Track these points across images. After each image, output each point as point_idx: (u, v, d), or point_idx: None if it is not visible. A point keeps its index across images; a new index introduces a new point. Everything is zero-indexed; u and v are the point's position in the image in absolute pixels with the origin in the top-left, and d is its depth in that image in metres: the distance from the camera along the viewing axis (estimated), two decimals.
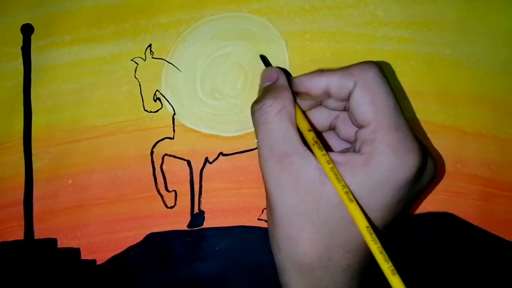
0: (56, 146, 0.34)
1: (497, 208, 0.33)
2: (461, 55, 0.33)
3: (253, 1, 0.34)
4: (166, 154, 0.34)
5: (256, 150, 0.34)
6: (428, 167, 0.26)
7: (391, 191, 0.24)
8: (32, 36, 0.35)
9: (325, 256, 0.25)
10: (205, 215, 0.34)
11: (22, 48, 0.34)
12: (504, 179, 0.33)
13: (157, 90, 0.34)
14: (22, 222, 0.34)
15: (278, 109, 0.26)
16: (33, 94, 0.34)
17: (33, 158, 0.34)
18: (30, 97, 0.34)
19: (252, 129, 0.34)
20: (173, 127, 0.34)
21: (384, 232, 0.26)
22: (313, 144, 0.25)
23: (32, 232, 0.34)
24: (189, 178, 0.34)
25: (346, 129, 0.29)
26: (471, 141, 0.33)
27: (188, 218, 0.34)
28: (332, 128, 0.30)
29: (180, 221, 0.34)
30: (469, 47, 0.33)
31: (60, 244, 0.34)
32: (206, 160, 0.34)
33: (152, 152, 0.34)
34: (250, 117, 0.33)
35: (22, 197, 0.34)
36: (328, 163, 0.24)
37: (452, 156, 0.33)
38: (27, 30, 0.35)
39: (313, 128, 0.27)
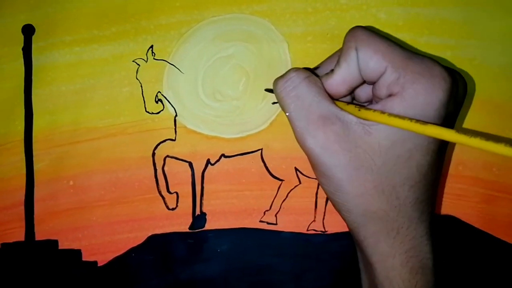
0: (57, 148, 0.34)
1: (499, 210, 0.33)
2: (462, 58, 0.33)
3: (255, 3, 0.34)
4: (167, 156, 0.34)
5: (258, 152, 0.34)
6: (459, 81, 0.26)
7: (437, 111, 0.25)
8: (33, 37, 0.34)
9: (393, 196, 0.26)
10: (206, 217, 0.34)
11: (23, 48, 0.34)
12: (506, 182, 0.33)
13: (159, 92, 0.34)
14: (23, 224, 0.34)
15: (304, 76, 0.27)
16: (34, 95, 0.34)
17: (34, 159, 0.34)
18: (31, 98, 0.34)
19: (254, 131, 0.34)
20: (175, 129, 0.34)
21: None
22: (359, 110, 0.26)
23: (33, 233, 0.34)
24: (190, 180, 0.34)
25: (365, 91, 0.29)
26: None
27: (189, 220, 0.34)
28: (352, 100, 0.30)
29: (181, 223, 0.34)
30: (470, 51, 0.33)
31: (61, 246, 0.34)
32: (208, 161, 0.34)
33: (153, 154, 0.34)
34: (252, 119, 0.34)
35: (23, 199, 0.34)
36: (383, 113, 0.24)
37: (454, 159, 0.34)
38: (28, 31, 0.34)
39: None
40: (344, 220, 0.28)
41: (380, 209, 0.26)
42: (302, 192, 0.34)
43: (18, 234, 0.34)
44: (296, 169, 0.34)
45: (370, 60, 0.25)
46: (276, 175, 0.34)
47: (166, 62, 0.34)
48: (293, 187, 0.34)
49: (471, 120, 0.33)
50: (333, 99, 0.27)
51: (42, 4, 0.34)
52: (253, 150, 0.34)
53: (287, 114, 0.27)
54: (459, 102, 0.27)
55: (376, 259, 0.27)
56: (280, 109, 0.33)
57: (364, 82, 0.27)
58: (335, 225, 0.34)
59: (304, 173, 0.34)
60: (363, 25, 0.33)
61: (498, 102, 0.34)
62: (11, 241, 0.34)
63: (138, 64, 0.34)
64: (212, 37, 0.34)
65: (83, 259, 0.34)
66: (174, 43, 0.34)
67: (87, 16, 0.34)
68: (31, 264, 0.34)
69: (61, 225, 0.34)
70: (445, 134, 0.23)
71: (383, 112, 0.24)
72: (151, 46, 0.34)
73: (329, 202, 0.34)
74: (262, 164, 0.34)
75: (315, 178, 0.33)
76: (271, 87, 0.33)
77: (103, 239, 0.34)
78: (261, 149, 0.34)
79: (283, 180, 0.34)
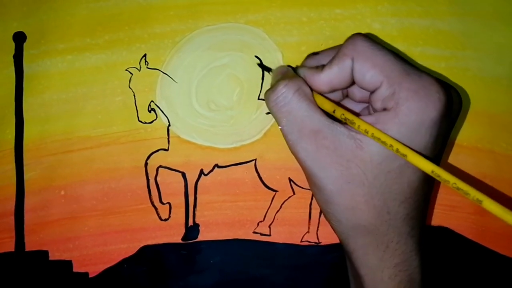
0: (48, 157, 0.34)
1: (492, 222, 0.33)
2: (456, 69, 0.33)
3: (249, 12, 0.34)
4: (160, 166, 0.34)
5: (252, 162, 0.34)
6: (454, 97, 0.27)
7: (428, 130, 0.25)
8: (25, 45, 0.34)
9: (384, 211, 0.26)
10: (199, 227, 0.34)
11: (14, 56, 0.34)
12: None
13: (152, 101, 0.34)
14: (13, 234, 0.34)
15: (295, 89, 0.27)
16: (25, 104, 0.34)
17: (24, 168, 0.34)
18: (22, 106, 0.34)
19: (248, 141, 0.34)
20: (168, 139, 0.34)
21: None
22: (344, 121, 0.26)
23: (23, 244, 0.34)
24: (183, 190, 0.34)
25: (360, 91, 0.29)
26: (466, 155, 0.33)
27: (182, 231, 0.34)
28: (346, 95, 0.30)
29: (174, 234, 0.34)
30: (464, 62, 0.33)
31: (51, 257, 0.34)
32: (201, 172, 0.34)
33: (146, 164, 0.34)
34: (246, 129, 0.34)
35: (13, 208, 0.34)
36: (367, 132, 0.25)
37: (448, 170, 0.33)
38: (19, 38, 0.34)
39: (336, 104, 0.27)
40: (334, 230, 0.28)
41: (370, 223, 0.26)
42: (296, 203, 0.34)
43: (8, 245, 0.34)
44: (290, 180, 0.34)
45: (367, 73, 0.26)
46: (270, 186, 0.34)
47: (160, 71, 0.34)
48: (287, 198, 0.34)
49: (465, 131, 0.34)
50: (322, 95, 0.28)
51: (35, 11, 0.34)
52: (247, 160, 0.34)
53: (279, 127, 0.28)
54: (452, 120, 0.27)
55: (365, 272, 0.27)
56: (274, 119, 0.33)
57: (350, 85, 0.27)
58: (329, 236, 0.34)
59: (298, 184, 0.34)
60: None
61: (492, 113, 0.34)
62: (0, 251, 0.34)
63: (131, 73, 0.34)
64: (206, 46, 0.34)
65: (74, 270, 0.34)
66: (168, 52, 0.34)
67: (80, 24, 0.34)
68: (21, 275, 0.34)
69: (52, 235, 0.34)
70: (423, 168, 0.24)
71: (366, 131, 0.25)
72: (145, 55, 0.34)
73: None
74: (256, 174, 0.34)
75: (309, 189, 0.33)
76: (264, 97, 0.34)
77: (95, 250, 0.34)
78: (255, 159, 0.34)
79: (277, 191, 0.34)
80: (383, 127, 0.25)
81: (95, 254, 0.34)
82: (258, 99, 0.34)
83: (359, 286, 0.28)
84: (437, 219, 0.34)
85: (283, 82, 0.27)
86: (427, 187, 0.27)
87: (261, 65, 0.33)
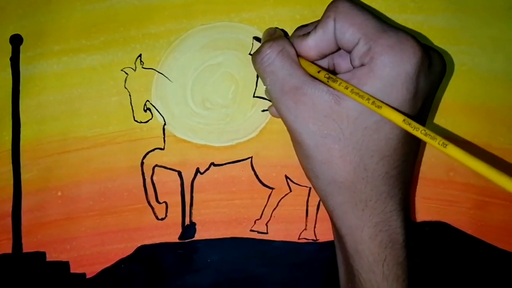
0: (45, 158, 0.34)
1: (491, 216, 0.33)
2: (452, 64, 0.33)
3: (243, 11, 0.34)
4: (156, 165, 0.34)
5: (248, 160, 0.34)
6: (434, 58, 0.27)
7: (404, 85, 0.25)
8: (21, 47, 0.34)
9: (360, 167, 0.26)
10: (196, 226, 0.34)
11: (11, 58, 0.34)
12: (497, 188, 0.33)
13: (147, 100, 0.34)
14: (10, 235, 0.34)
15: (278, 50, 0.28)
16: (22, 105, 0.34)
17: (21, 169, 0.34)
18: (19, 108, 0.34)
19: (244, 139, 0.34)
20: (164, 138, 0.34)
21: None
22: (327, 80, 0.26)
23: (21, 245, 0.34)
24: (180, 189, 0.34)
25: (346, 62, 0.29)
26: (464, 150, 0.33)
27: (179, 230, 0.34)
28: (332, 68, 0.31)
29: (171, 233, 0.34)
30: (460, 56, 0.33)
31: (49, 258, 0.34)
32: (197, 170, 0.34)
33: (142, 163, 0.34)
34: (242, 127, 0.34)
35: (10, 210, 0.34)
36: (347, 88, 0.25)
37: (445, 165, 0.33)
38: (16, 41, 0.34)
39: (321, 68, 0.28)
40: (314, 188, 0.28)
41: (346, 179, 0.26)
42: (293, 200, 0.34)
43: (5, 246, 0.34)
44: (287, 177, 0.34)
45: (347, 31, 0.26)
46: (267, 183, 0.34)
47: (155, 71, 0.34)
48: (283, 195, 0.34)
49: (461, 126, 0.33)
50: (309, 61, 0.28)
51: (31, 14, 0.34)
52: (243, 158, 0.34)
53: (265, 86, 0.28)
54: (434, 80, 0.27)
55: (345, 232, 0.27)
56: (270, 117, 0.33)
57: (337, 50, 0.28)
58: (326, 233, 0.33)
59: (294, 181, 0.34)
60: None
61: (488, 107, 0.34)
62: None
63: (126, 73, 0.34)
64: (201, 45, 0.34)
65: (72, 271, 0.34)
66: (163, 52, 0.34)
67: (75, 25, 0.34)
68: (19, 276, 0.33)
69: (49, 236, 0.34)
70: (394, 119, 0.24)
71: (346, 87, 0.25)
72: (140, 55, 0.34)
73: (320, 210, 0.34)
74: (252, 172, 0.34)
75: (306, 186, 0.33)
76: (260, 94, 0.34)
77: (92, 250, 0.34)
78: (251, 157, 0.34)
79: (274, 188, 0.34)
80: (358, 81, 0.25)
81: (92, 255, 0.34)
82: (254, 96, 0.34)
83: (342, 247, 0.28)
84: (435, 214, 0.33)
85: (268, 43, 0.28)
86: (408, 147, 0.27)
87: (256, 38, 0.33)
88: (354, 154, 0.26)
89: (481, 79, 0.34)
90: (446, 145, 0.23)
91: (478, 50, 0.34)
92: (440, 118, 0.33)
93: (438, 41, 0.34)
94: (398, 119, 0.24)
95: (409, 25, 0.33)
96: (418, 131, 0.23)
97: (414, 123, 0.24)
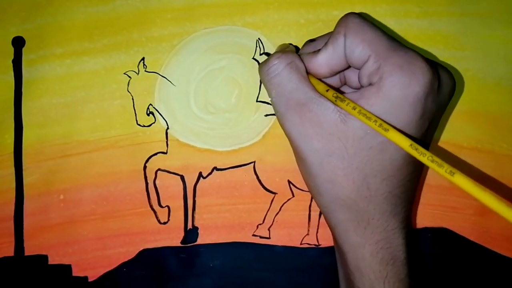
0: (47, 161, 0.34)
1: (493, 223, 0.33)
2: (455, 70, 0.33)
3: (247, 15, 0.34)
4: (159, 169, 0.34)
5: (251, 164, 0.34)
6: (444, 78, 0.26)
7: (412, 106, 0.25)
8: (24, 49, 0.34)
9: (364, 186, 0.26)
10: (199, 231, 0.34)
11: (13, 61, 0.34)
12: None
13: (150, 104, 0.34)
14: (12, 239, 0.34)
15: (287, 62, 0.27)
16: (24, 108, 0.34)
17: (23, 173, 0.34)
18: (21, 111, 0.34)
19: (247, 144, 0.34)
20: (167, 142, 0.34)
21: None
22: (335, 100, 0.26)
23: (23, 248, 0.34)
24: (182, 193, 0.34)
25: (357, 76, 0.29)
26: (467, 156, 0.33)
27: (181, 234, 0.34)
28: (343, 83, 0.30)
29: (173, 237, 0.33)
30: (463, 62, 0.33)
31: (51, 261, 0.34)
32: (200, 175, 0.34)
33: (145, 167, 0.34)
34: (245, 131, 0.33)
35: (12, 213, 0.34)
36: (354, 109, 0.25)
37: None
38: (18, 43, 0.34)
39: (329, 87, 0.28)
40: (317, 204, 0.28)
41: (348, 197, 0.26)
42: (295, 206, 0.34)
43: (7, 249, 0.33)
44: (289, 182, 0.34)
45: (356, 48, 0.26)
46: (269, 188, 0.34)
47: (158, 75, 0.34)
48: (286, 200, 0.34)
49: (465, 132, 0.33)
50: (318, 79, 0.28)
51: (33, 16, 0.34)
52: (246, 163, 0.34)
53: (270, 99, 0.28)
54: (442, 101, 0.27)
55: (347, 249, 0.27)
56: (273, 121, 0.33)
57: (348, 67, 0.28)
58: (328, 238, 0.33)
59: (297, 186, 0.34)
60: None
61: (492, 114, 0.34)
62: (0, 256, 0.34)
63: (129, 77, 0.34)
64: (204, 49, 0.34)
65: (74, 274, 0.34)
66: (166, 55, 0.34)
67: (78, 28, 0.34)
68: (21, 280, 0.33)
69: (51, 240, 0.34)
70: (401, 144, 0.24)
71: (354, 108, 0.25)
72: (143, 58, 0.34)
73: (322, 215, 0.34)
74: (255, 177, 0.34)
75: (308, 191, 0.33)
76: (263, 99, 0.34)
77: (94, 254, 0.34)
78: (254, 162, 0.34)
79: (276, 193, 0.34)
80: (366, 102, 0.25)
81: (94, 258, 0.34)
82: (257, 101, 0.34)
83: (343, 263, 0.28)
84: (438, 220, 0.33)
85: (276, 54, 0.28)
86: (412, 167, 0.27)
87: (261, 47, 0.33)
88: (358, 173, 0.26)
89: (485, 85, 0.34)
90: (454, 173, 0.22)
91: (483, 55, 0.34)
92: (444, 124, 0.33)
93: (442, 46, 0.33)
94: (405, 143, 0.23)
95: (414, 30, 0.33)
96: (425, 157, 0.23)
97: (421, 149, 0.23)
